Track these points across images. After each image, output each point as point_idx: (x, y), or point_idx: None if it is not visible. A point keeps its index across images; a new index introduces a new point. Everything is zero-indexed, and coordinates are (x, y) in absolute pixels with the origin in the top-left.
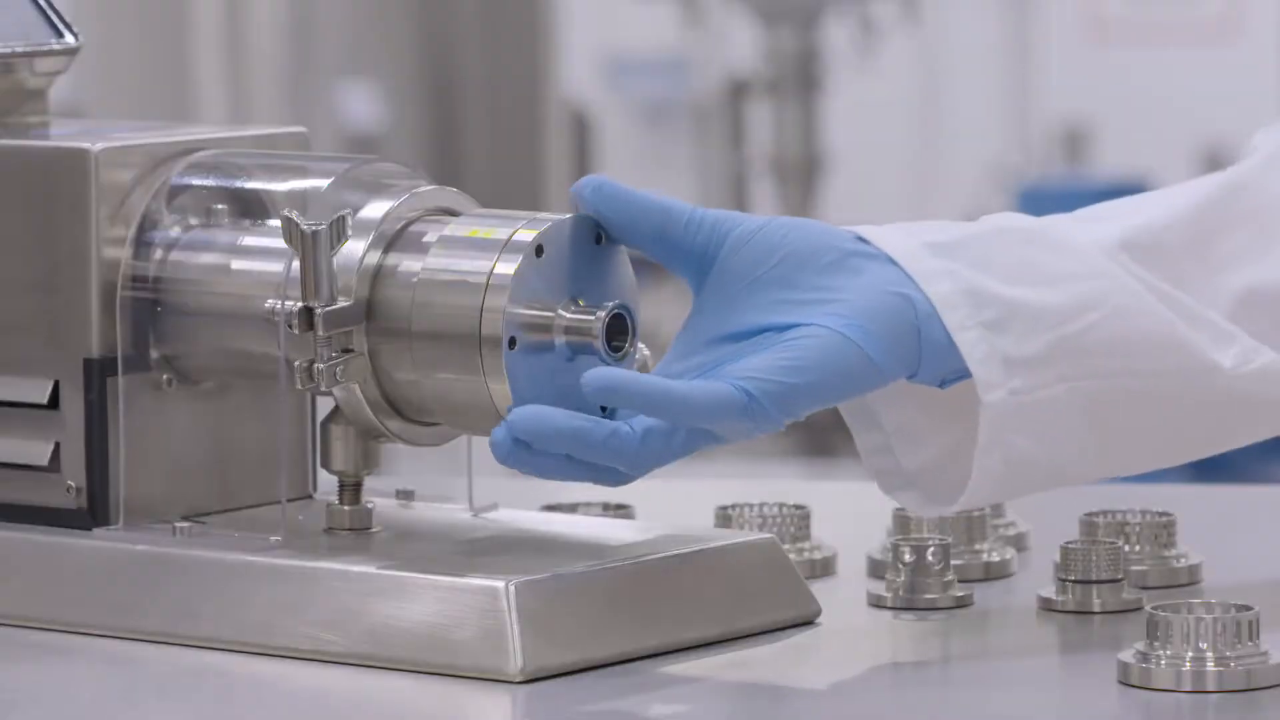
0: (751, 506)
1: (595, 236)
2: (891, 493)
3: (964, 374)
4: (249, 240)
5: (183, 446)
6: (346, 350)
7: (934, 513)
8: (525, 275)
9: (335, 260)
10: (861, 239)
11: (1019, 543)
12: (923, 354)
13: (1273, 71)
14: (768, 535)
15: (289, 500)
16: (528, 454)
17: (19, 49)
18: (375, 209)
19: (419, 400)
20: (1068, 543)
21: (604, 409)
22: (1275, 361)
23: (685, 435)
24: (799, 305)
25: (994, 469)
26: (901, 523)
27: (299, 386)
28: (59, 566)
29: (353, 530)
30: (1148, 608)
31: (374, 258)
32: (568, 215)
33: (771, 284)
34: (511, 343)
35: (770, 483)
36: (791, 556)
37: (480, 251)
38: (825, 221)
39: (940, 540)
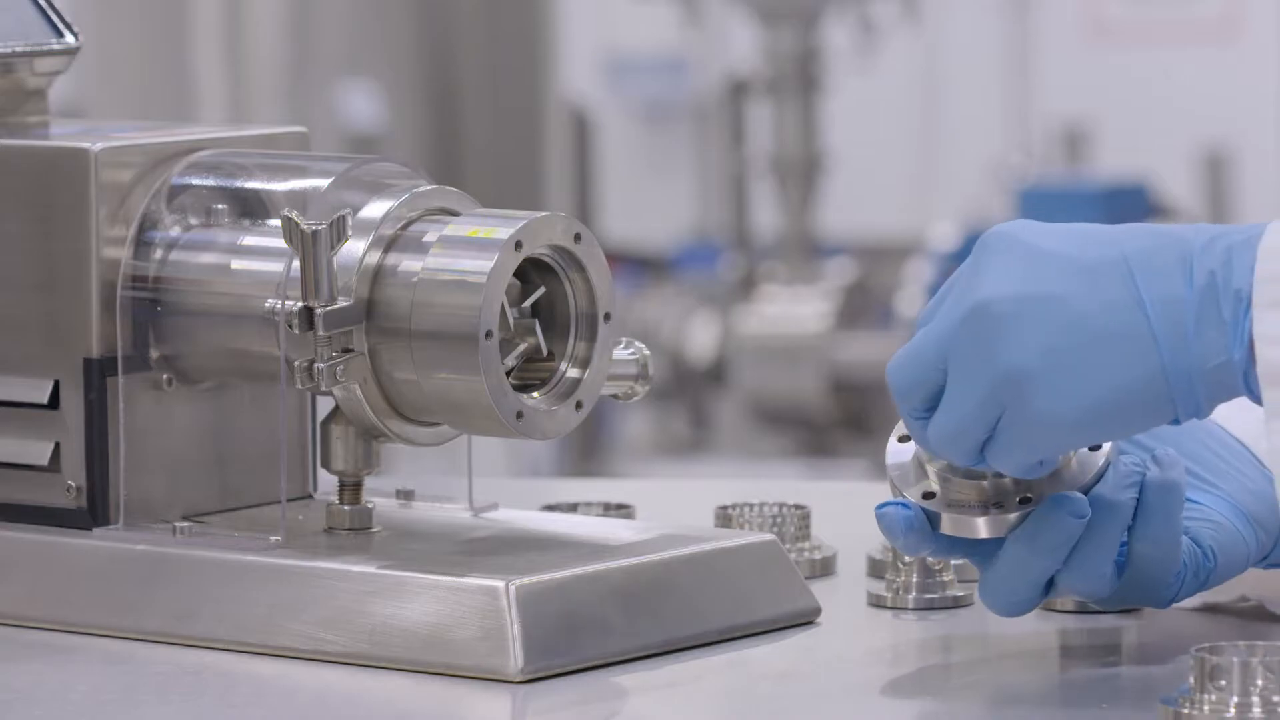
0: (751, 506)
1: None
2: None
3: None
4: (249, 240)
5: (183, 446)
6: (346, 350)
7: None
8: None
9: (335, 260)
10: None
11: None
12: None
13: (1273, 71)
14: (768, 535)
15: (289, 500)
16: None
17: (19, 49)
18: (375, 209)
19: (419, 400)
20: None
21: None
22: None
23: None
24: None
25: None
26: None
27: (299, 386)
28: (59, 566)
29: (353, 530)
30: (1193, 650)
31: (374, 258)
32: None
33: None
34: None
35: (770, 483)
36: (791, 556)
37: (480, 251)
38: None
39: None
